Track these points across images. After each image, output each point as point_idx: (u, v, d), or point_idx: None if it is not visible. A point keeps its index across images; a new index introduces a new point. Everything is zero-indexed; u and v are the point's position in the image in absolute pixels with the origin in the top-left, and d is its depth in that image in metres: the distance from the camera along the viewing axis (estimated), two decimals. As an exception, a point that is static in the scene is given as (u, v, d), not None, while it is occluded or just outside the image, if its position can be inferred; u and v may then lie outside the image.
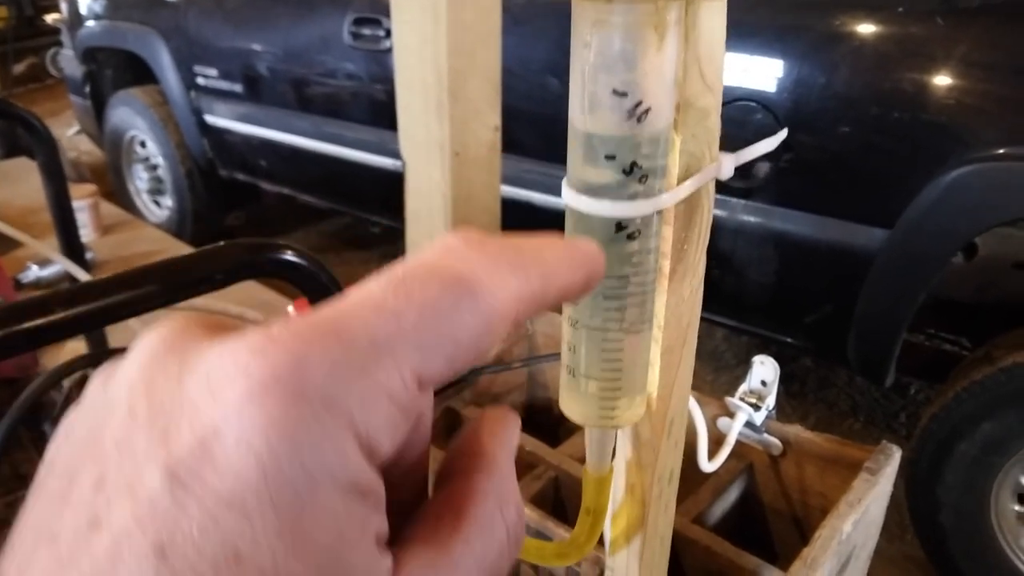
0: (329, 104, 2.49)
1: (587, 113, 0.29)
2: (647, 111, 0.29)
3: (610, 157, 0.30)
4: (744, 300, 1.78)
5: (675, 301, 0.37)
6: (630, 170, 0.30)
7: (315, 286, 0.53)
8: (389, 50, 2.24)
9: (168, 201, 3.31)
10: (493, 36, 1.44)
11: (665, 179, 0.31)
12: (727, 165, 0.36)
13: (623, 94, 0.28)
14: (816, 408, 2.26)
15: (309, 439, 0.16)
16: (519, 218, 1.82)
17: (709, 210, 0.37)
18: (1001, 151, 1.36)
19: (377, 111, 2.37)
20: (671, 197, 0.32)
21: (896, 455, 0.72)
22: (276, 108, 2.65)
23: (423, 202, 1.55)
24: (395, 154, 2.33)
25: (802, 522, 0.84)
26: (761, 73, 1.57)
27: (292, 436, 0.16)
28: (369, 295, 0.19)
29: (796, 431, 0.81)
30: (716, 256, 1.78)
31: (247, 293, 1.76)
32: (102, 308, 0.46)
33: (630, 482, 0.41)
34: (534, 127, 1.96)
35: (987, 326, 1.63)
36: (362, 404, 0.17)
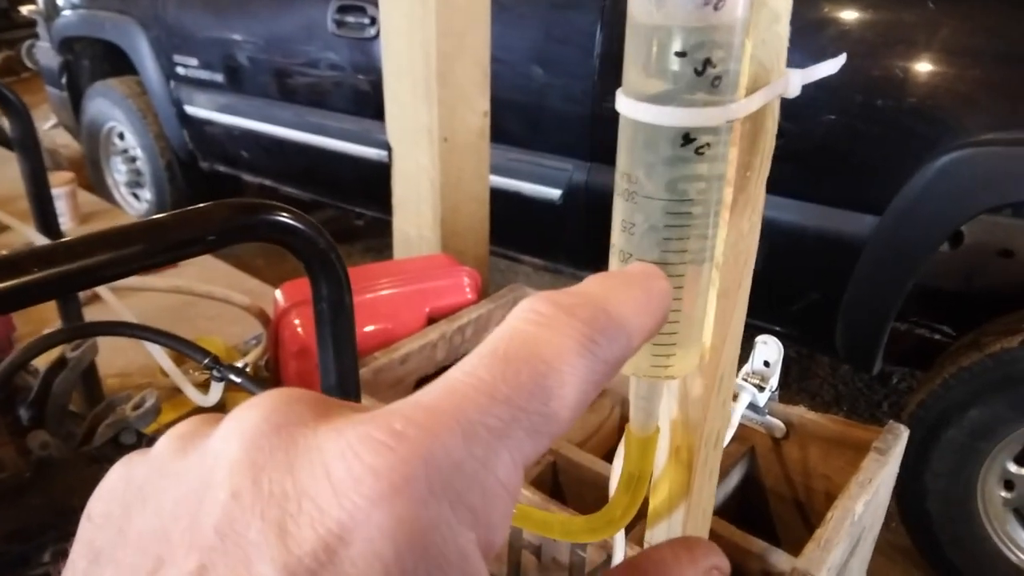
0: (312, 94, 2.46)
1: (655, 2, 0.26)
2: None
3: (681, 54, 0.27)
4: (732, 289, 1.78)
5: (735, 237, 0.34)
6: (702, 69, 0.27)
7: (313, 252, 0.51)
8: (374, 38, 2.21)
9: (147, 194, 3.25)
10: (482, 19, 1.42)
11: (737, 88, 0.28)
12: (795, 81, 0.33)
13: None
14: (799, 398, 2.26)
15: (436, 544, 0.16)
16: (505, 207, 1.81)
17: (773, 134, 0.34)
18: (989, 136, 1.37)
19: (362, 100, 2.34)
20: (744, 106, 0.29)
21: (904, 435, 0.72)
22: (258, 98, 2.61)
23: (410, 189, 1.52)
24: (380, 144, 2.31)
25: (805, 506, 0.83)
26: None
27: (421, 543, 0.15)
28: (479, 380, 0.18)
29: (800, 412, 0.80)
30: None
31: (231, 279, 1.73)
32: (82, 268, 0.43)
33: (675, 444, 0.37)
34: (519, 116, 1.95)
35: (971, 314, 1.63)
36: (484, 501, 0.17)
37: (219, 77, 2.69)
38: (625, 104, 0.28)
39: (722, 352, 0.36)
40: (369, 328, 0.89)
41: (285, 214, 0.51)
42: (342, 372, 0.53)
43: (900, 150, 1.46)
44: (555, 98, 1.89)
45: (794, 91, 0.33)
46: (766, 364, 0.81)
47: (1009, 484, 1.49)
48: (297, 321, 0.92)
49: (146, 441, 0.68)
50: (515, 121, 1.92)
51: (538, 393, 0.18)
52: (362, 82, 2.32)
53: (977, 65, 1.39)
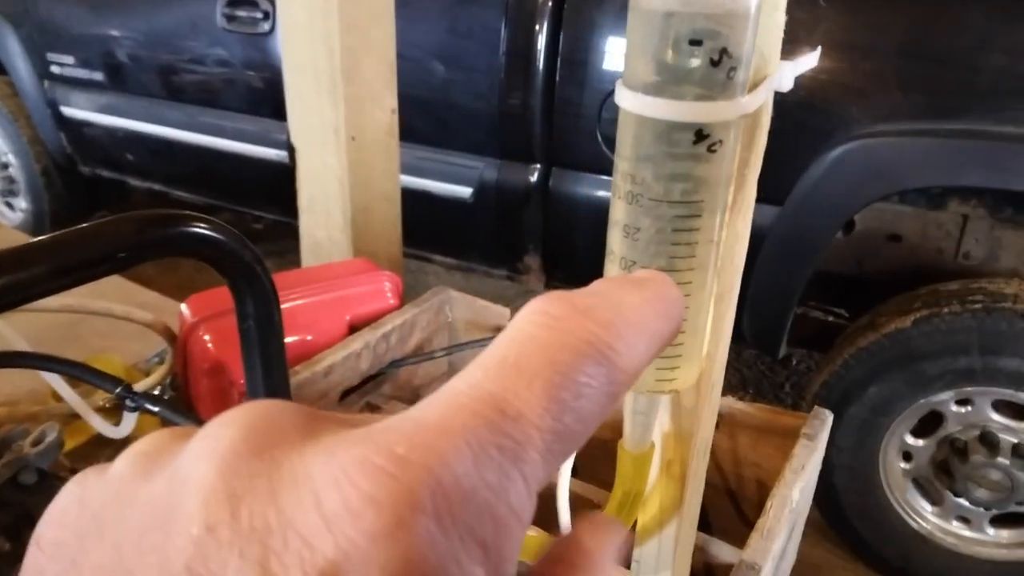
0: (203, 92, 2.34)
1: None
2: None
3: (696, 42, 0.24)
4: (643, 281, 1.81)
5: (731, 238, 0.32)
6: (719, 59, 0.24)
7: (237, 266, 0.47)
8: (269, 33, 2.13)
9: (22, 203, 3.02)
10: (387, 13, 1.38)
11: (747, 81, 0.26)
12: (788, 74, 0.31)
13: None
14: (710, 385, 2.33)
15: None
16: (415, 207, 1.78)
17: (767, 129, 0.33)
18: (878, 128, 1.44)
19: (257, 99, 2.25)
20: (754, 99, 0.27)
21: (829, 420, 0.74)
22: (143, 98, 2.46)
23: (318, 189, 1.46)
24: (279, 144, 2.23)
25: (736, 494, 0.85)
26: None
27: None
28: (488, 394, 0.16)
29: (729, 403, 0.81)
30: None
31: (125, 292, 1.62)
32: (22, 281, 0.38)
33: (667, 458, 0.36)
34: (426, 114, 1.92)
35: (864, 297, 1.72)
36: (495, 533, 0.15)
37: (99, 76, 2.53)
38: (630, 98, 0.26)
39: (715, 359, 0.35)
40: (289, 340, 0.85)
41: (204, 225, 0.47)
42: (272, 392, 0.50)
43: (796, 143, 1.52)
44: (462, 95, 1.87)
45: (788, 84, 0.31)
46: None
47: (907, 455, 1.58)
48: (207, 337, 0.86)
49: (48, 479, 0.62)
50: (422, 119, 1.89)
51: (553, 408, 0.16)
52: (257, 80, 2.22)
53: (866, 60, 1.46)
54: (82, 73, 2.56)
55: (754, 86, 0.29)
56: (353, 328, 0.92)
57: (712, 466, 0.86)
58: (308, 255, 1.54)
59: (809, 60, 0.32)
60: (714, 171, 0.26)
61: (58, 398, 1.14)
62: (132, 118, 2.52)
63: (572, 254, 1.91)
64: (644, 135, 0.26)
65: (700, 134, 0.26)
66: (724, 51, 0.25)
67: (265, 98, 2.22)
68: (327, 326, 0.91)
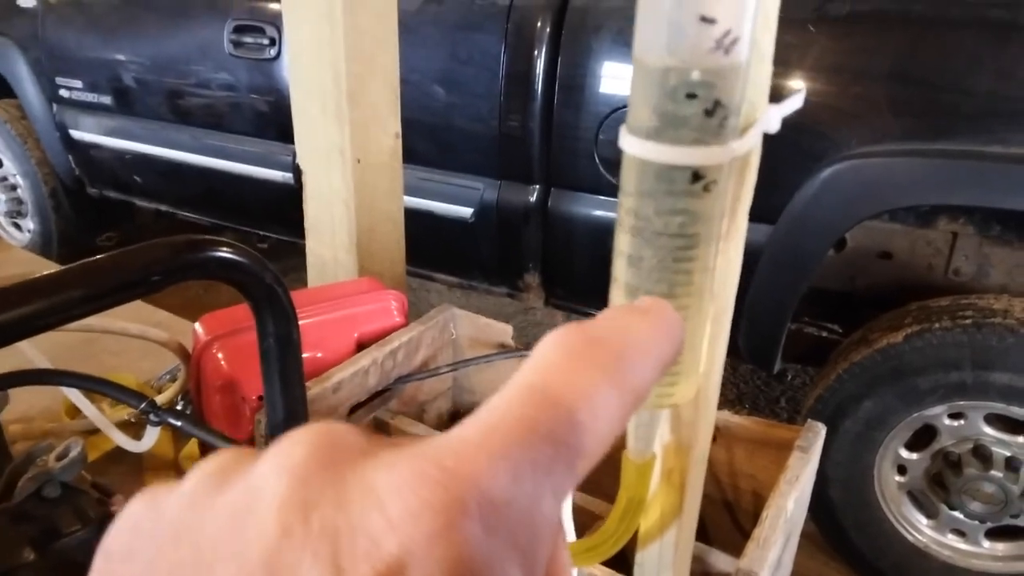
0: (210, 116, 2.39)
1: (666, 46, 0.27)
2: (735, 41, 0.26)
3: (692, 96, 0.27)
4: (642, 298, 1.84)
5: (724, 264, 0.35)
6: (713, 109, 0.27)
7: (259, 288, 0.50)
8: (274, 59, 2.18)
9: (29, 224, 3.07)
10: (390, 40, 1.42)
11: (739, 126, 0.29)
12: (775, 116, 0.35)
13: (711, 21, 0.26)
14: (708, 400, 2.36)
15: None
16: (418, 227, 1.81)
17: (757, 167, 0.36)
18: (867, 149, 1.48)
19: (263, 122, 2.29)
20: (745, 143, 0.30)
21: (822, 432, 0.77)
22: (151, 121, 2.51)
23: (324, 210, 1.51)
24: (283, 166, 2.27)
25: (733, 505, 0.88)
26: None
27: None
28: (521, 415, 0.18)
29: (725, 416, 0.84)
30: (612, 255, 1.83)
31: (136, 312, 1.66)
32: (18, 318, 0.41)
33: (667, 467, 0.39)
34: (427, 137, 1.96)
35: (856, 313, 1.75)
36: (530, 539, 0.17)
37: (107, 100, 2.58)
38: (633, 144, 0.29)
39: (711, 376, 0.38)
40: (317, 355, 0.89)
41: (229, 250, 0.50)
42: (290, 407, 0.53)
43: (789, 164, 1.56)
44: (463, 118, 1.92)
45: (775, 126, 0.34)
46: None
47: (902, 469, 1.61)
48: (220, 355, 0.89)
49: (71, 492, 0.64)
50: (424, 142, 1.93)
51: (576, 427, 0.19)
52: (263, 103, 2.27)
53: (856, 83, 1.50)
54: (91, 97, 2.61)
55: (745, 129, 0.32)
56: (361, 345, 0.95)
57: (709, 478, 0.88)
58: (314, 274, 1.58)
59: (794, 102, 0.35)
60: (709, 207, 0.30)
61: (72, 415, 1.17)
62: (140, 141, 2.56)
63: (571, 272, 1.95)
64: (646, 175, 0.30)
65: (696, 175, 0.29)
66: (717, 102, 0.28)
67: (270, 121, 2.27)
68: (336, 344, 0.94)
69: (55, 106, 2.73)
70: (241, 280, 0.49)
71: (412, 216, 1.63)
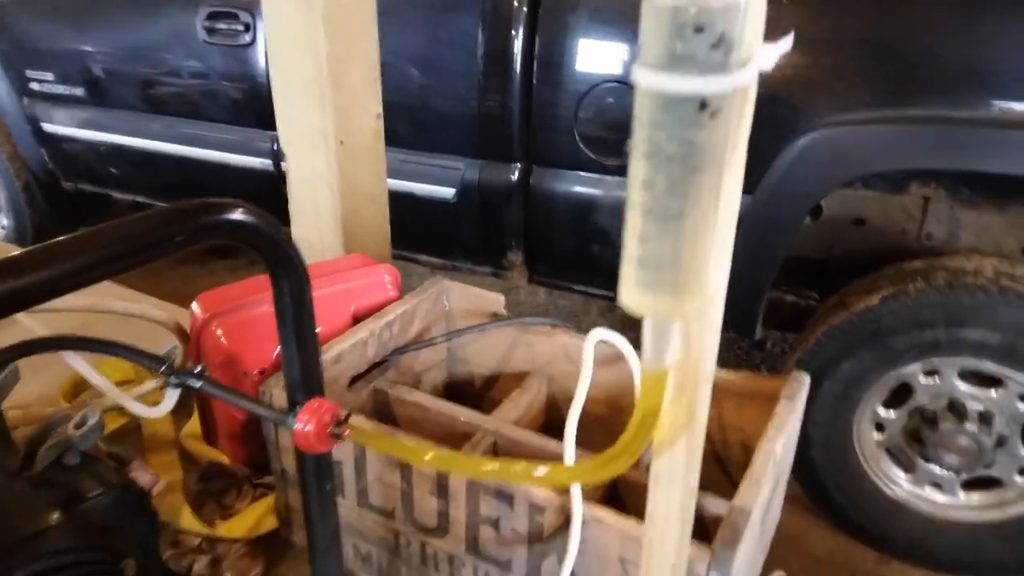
0: (185, 104, 2.38)
1: None
2: None
3: (699, 29, 0.30)
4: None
5: (727, 190, 0.39)
6: (718, 42, 0.31)
7: (274, 249, 0.52)
8: (249, 44, 2.17)
9: (3, 219, 3.03)
10: (370, 22, 1.44)
11: (741, 59, 0.33)
12: (770, 55, 0.38)
13: None
14: (691, 371, 2.40)
15: None
16: (400, 208, 1.83)
17: (753, 101, 0.39)
18: (840, 118, 1.52)
19: (239, 109, 2.29)
20: (748, 74, 0.34)
21: (806, 382, 0.80)
22: (126, 111, 2.50)
23: (308, 194, 1.52)
24: (261, 152, 2.28)
25: (723, 457, 0.91)
26: (629, 57, 1.67)
27: None
28: None
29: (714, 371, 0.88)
30: (594, 231, 1.86)
31: (124, 298, 1.66)
32: (49, 279, 0.43)
33: (679, 381, 0.42)
34: (407, 118, 1.97)
35: (833, 279, 1.80)
36: None
37: (80, 91, 2.56)
38: (645, 76, 0.33)
39: (716, 296, 0.42)
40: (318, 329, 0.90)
41: (245, 212, 0.52)
42: (305, 365, 0.55)
43: (765, 135, 1.60)
44: (441, 99, 1.93)
45: (770, 64, 0.38)
46: (678, 331, 0.88)
47: (880, 426, 1.66)
48: (219, 331, 0.91)
49: (89, 460, 0.66)
50: (404, 123, 1.95)
51: None
52: (239, 90, 2.27)
53: (828, 54, 1.54)
54: (62, 89, 2.58)
55: (745, 62, 0.35)
56: (357, 319, 0.97)
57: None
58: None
59: (785, 43, 0.39)
60: (714, 134, 0.33)
61: (70, 399, 1.19)
62: (115, 132, 2.55)
63: (554, 249, 1.97)
64: (657, 105, 0.33)
65: (703, 104, 0.32)
66: (722, 36, 0.31)
67: (247, 108, 2.26)
68: (334, 317, 0.96)
69: (26, 99, 2.70)
70: (257, 241, 0.51)
71: (394, 198, 1.65)
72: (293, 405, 0.57)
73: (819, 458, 1.68)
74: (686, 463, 0.44)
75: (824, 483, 1.71)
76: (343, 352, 0.89)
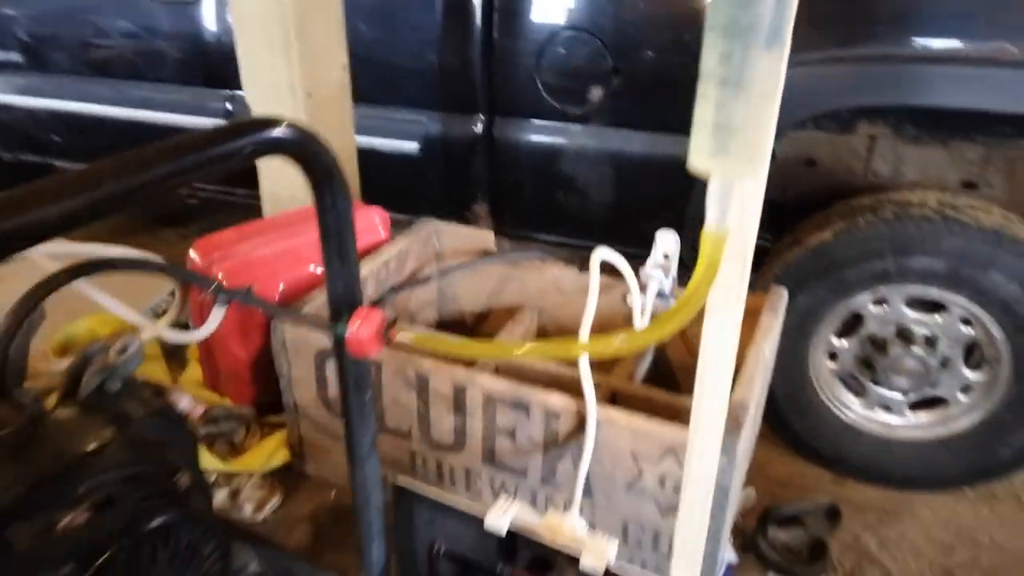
0: (131, 66, 2.32)
1: None
2: None
3: None
4: (587, 219, 1.93)
5: (775, 75, 0.44)
6: None
7: (322, 164, 0.54)
8: (194, 1, 2.13)
9: (-64, 194, 2.91)
10: (334, -28, 1.43)
11: None
12: None
13: None
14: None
15: None
16: (364, 164, 1.84)
17: None
18: (790, 59, 1.59)
19: (187, 69, 2.24)
20: None
21: (785, 295, 0.87)
22: (68, 76, 2.42)
23: (277, 148, 1.51)
24: (212, 112, 2.24)
25: (705, 369, 0.98)
26: (588, 4, 1.70)
27: None
28: None
29: (695, 289, 0.93)
30: (559, 180, 1.90)
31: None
32: (140, 183, 0.45)
33: (732, 247, 0.47)
34: (368, 73, 1.97)
35: (788, 220, 1.88)
36: None
37: (15, 57, 2.46)
38: None
39: (762, 164, 0.46)
40: (301, 273, 0.92)
41: (294, 128, 0.54)
42: (348, 277, 0.58)
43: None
44: (401, 52, 1.93)
45: None
46: (666, 256, 0.94)
47: (833, 356, 1.76)
48: (220, 274, 0.93)
49: (130, 386, 0.68)
50: (364, 78, 1.94)
51: None
52: (187, 49, 2.22)
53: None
54: (-3, 54, 2.49)
55: None
56: (354, 259, 1.00)
57: (685, 352, 0.98)
58: (270, 213, 1.59)
59: None
60: (782, 9, 0.37)
61: (60, 354, 1.18)
62: (57, 98, 2.46)
63: (519, 200, 2.01)
64: None
65: None
66: None
67: (196, 67, 2.22)
68: (331, 258, 0.98)
69: (-44, 66, 2.58)
70: (306, 156, 0.53)
71: (358, 154, 1.66)
72: (339, 315, 0.60)
73: (778, 389, 1.77)
74: (736, 308, 0.51)
75: (783, 412, 1.80)
76: (313, 316, 0.92)
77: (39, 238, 0.49)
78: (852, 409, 1.80)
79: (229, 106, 2.17)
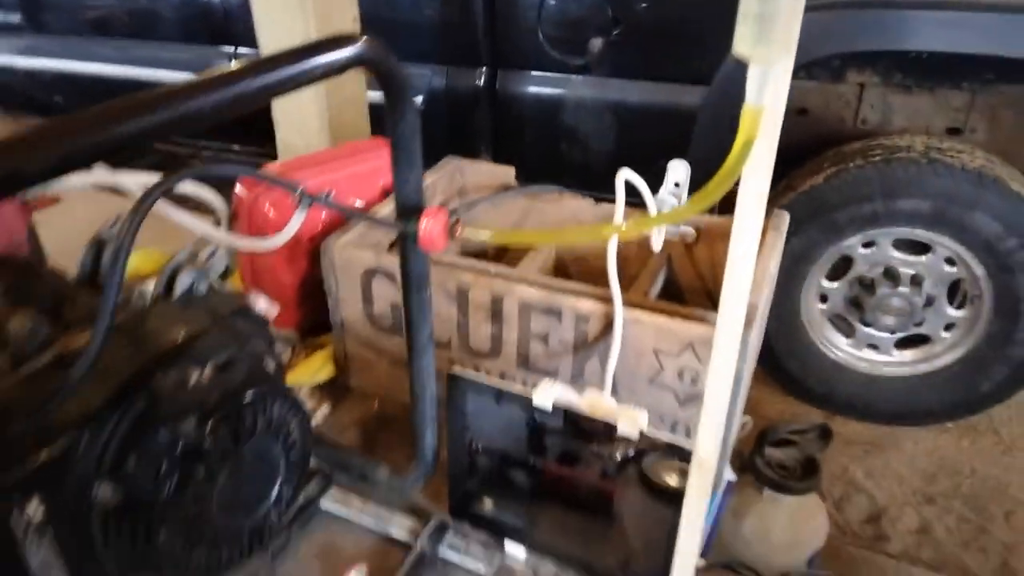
0: (135, 25, 2.34)
1: None
2: None
3: None
4: (589, 168, 1.99)
5: None
6: None
7: (395, 78, 0.60)
8: (200, -40, 2.15)
9: (-64, 157, 2.92)
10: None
11: None
12: None
13: None
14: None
15: None
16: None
17: None
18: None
19: (191, 26, 2.27)
20: None
21: (786, 217, 0.94)
22: (70, 36, 2.43)
23: (292, 100, 1.56)
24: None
25: (714, 294, 1.05)
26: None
27: None
28: None
29: (707, 218, 1.01)
30: (561, 131, 1.96)
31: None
32: (236, 96, 0.51)
33: (763, 128, 0.54)
34: (370, 26, 2.01)
35: (779, 169, 1.95)
36: None
37: (15, 18, 2.47)
38: None
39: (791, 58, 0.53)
40: (344, 206, 0.98)
41: (372, 45, 0.61)
42: (415, 181, 0.65)
43: (717, 25, 1.71)
44: (406, 7, 1.97)
45: None
46: (677, 185, 1.01)
47: (823, 297, 1.84)
48: (267, 206, 0.99)
49: (214, 291, 0.75)
50: (368, 31, 1.98)
51: None
52: (192, 6, 2.24)
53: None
54: (-3, 15, 2.49)
55: None
56: (385, 192, 1.06)
57: (693, 275, 1.06)
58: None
59: None
60: None
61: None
62: (59, 58, 2.48)
63: (522, 150, 2.07)
64: None
65: None
66: None
67: (201, 25, 2.25)
68: (368, 191, 1.04)
69: (-45, 28, 2.59)
70: (382, 69, 0.60)
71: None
72: (408, 214, 0.67)
73: (771, 330, 1.85)
74: (765, 177, 0.58)
75: (775, 353, 1.88)
76: (384, 219, 0.99)
77: (174, 130, 0.54)
78: (841, 349, 1.88)
79: (232, 63, 2.20)
